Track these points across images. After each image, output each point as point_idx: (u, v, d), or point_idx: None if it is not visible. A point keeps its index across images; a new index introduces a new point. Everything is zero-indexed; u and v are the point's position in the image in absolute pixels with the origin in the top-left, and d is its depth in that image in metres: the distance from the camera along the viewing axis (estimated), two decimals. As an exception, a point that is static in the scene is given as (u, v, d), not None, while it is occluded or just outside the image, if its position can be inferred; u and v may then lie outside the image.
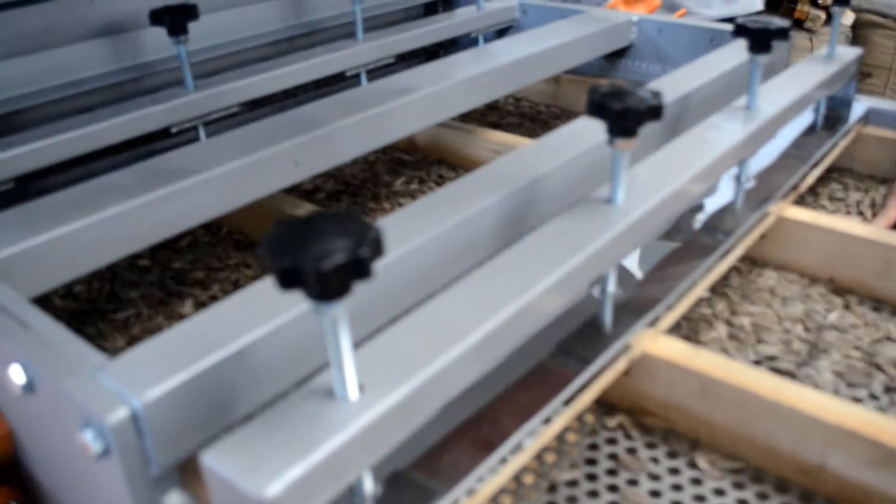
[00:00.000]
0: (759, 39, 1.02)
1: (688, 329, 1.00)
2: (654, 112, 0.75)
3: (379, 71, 1.55)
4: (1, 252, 0.81)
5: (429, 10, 1.87)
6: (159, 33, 1.24)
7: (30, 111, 1.27)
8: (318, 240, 0.49)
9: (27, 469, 0.75)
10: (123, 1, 1.39)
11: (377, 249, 0.50)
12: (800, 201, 1.22)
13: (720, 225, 1.05)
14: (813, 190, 1.31)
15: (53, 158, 1.12)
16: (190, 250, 1.26)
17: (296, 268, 0.47)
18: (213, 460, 0.51)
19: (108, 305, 1.13)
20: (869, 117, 1.36)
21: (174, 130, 1.25)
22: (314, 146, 1.07)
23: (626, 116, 0.74)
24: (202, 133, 1.29)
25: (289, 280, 0.48)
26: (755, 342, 0.97)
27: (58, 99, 1.28)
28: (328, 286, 0.48)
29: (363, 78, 1.51)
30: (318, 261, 0.47)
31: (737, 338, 0.98)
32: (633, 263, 0.97)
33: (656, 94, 0.76)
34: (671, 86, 1.19)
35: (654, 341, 0.85)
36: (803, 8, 4.47)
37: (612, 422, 0.87)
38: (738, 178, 1.09)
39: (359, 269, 0.48)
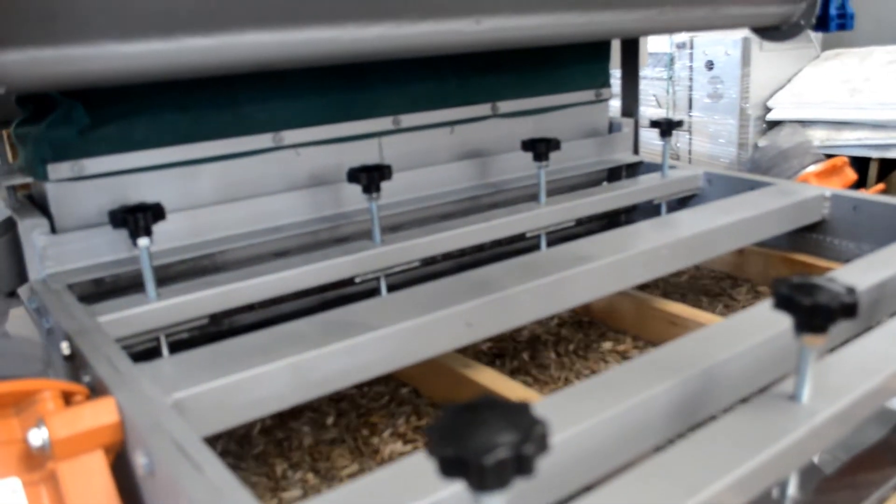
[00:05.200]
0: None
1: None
2: (849, 310, 0.71)
3: (559, 233, 1.58)
4: (186, 391, 0.87)
5: (612, 176, 1.90)
6: (355, 187, 1.33)
7: (233, 252, 1.38)
8: (484, 430, 0.48)
9: None
10: (326, 156, 1.51)
11: (542, 446, 0.49)
12: None
13: (920, 427, 0.96)
14: None
15: (246, 300, 1.20)
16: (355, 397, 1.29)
17: (458, 458, 0.47)
18: None
19: (270, 447, 1.17)
20: None
21: (358, 280, 1.31)
22: (488, 310, 1.08)
23: (817, 313, 0.70)
24: (383, 283, 1.34)
25: (450, 469, 0.48)
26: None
27: (259, 243, 1.38)
28: (488, 479, 0.47)
29: (542, 239, 1.53)
30: (480, 454, 0.47)
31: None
32: (821, 460, 0.90)
33: (851, 291, 0.72)
34: (867, 270, 1.13)
35: (840, 559, 0.77)
36: None
37: None
38: (943, 377, 1.00)
39: (521, 465, 0.47)
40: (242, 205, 1.40)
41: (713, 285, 1.67)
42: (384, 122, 1.56)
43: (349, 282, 1.32)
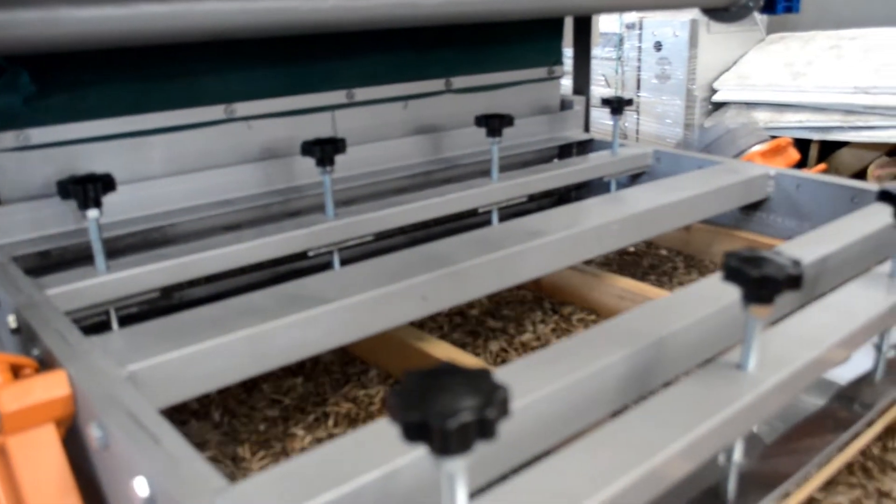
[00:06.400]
0: (907, 207, 0.99)
1: (820, 508, 0.94)
2: (794, 282, 0.73)
3: (511, 209, 1.59)
4: (140, 363, 0.86)
5: (564, 153, 1.91)
6: (308, 160, 1.32)
7: (184, 224, 1.36)
8: (446, 396, 0.49)
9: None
10: (278, 129, 1.49)
11: (504, 410, 0.49)
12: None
13: (858, 396, 1.00)
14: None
15: (197, 273, 1.19)
16: (313, 372, 1.29)
17: (421, 423, 0.48)
18: None
19: (232, 420, 1.17)
20: None
21: (311, 255, 1.30)
22: (443, 283, 1.09)
23: (764, 284, 0.73)
24: (336, 258, 1.34)
25: (413, 433, 0.48)
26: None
27: (210, 216, 1.37)
28: (452, 444, 0.48)
29: (494, 215, 1.54)
30: (443, 418, 0.47)
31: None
32: (762, 431, 0.93)
33: (796, 263, 0.74)
34: (810, 246, 1.16)
35: (783, 521, 0.80)
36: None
37: None
38: (878, 347, 1.04)
39: (484, 429, 0.48)
40: (193, 177, 1.38)
41: (661, 262, 1.71)
42: (338, 96, 1.55)
43: (302, 256, 1.32)
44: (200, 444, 1.12)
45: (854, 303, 0.96)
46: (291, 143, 1.49)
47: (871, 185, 1.49)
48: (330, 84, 1.54)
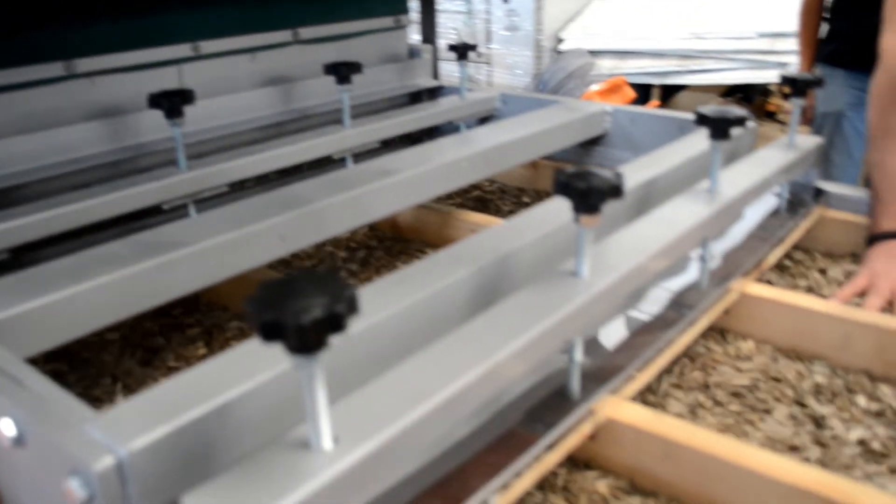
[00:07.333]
0: (719, 127, 1.09)
1: (653, 396, 1.04)
2: (616, 191, 0.81)
3: (365, 156, 1.63)
4: (-2, 315, 0.86)
5: (414, 99, 1.96)
6: (156, 115, 1.31)
7: (29, 186, 1.32)
8: (299, 297, 0.53)
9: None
10: (123, 84, 1.46)
11: (352, 306, 0.54)
12: (763, 279, 1.27)
13: (685, 301, 1.10)
14: (775, 268, 1.36)
15: (48, 231, 1.17)
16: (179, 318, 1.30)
17: (277, 322, 0.52)
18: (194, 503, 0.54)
19: (92, 369, 1.17)
20: (830, 201, 1.43)
21: (166, 207, 1.30)
22: (300, 223, 1.13)
23: (590, 195, 0.80)
24: (193, 211, 1.34)
25: (270, 333, 0.53)
26: (717, 408, 1.01)
27: (57, 175, 1.34)
28: (306, 339, 0.53)
29: (349, 162, 1.58)
30: (297, 315, 0.52)
31: (700, 404, 1.02)
32: (601, 335, 1.02)
33: (618, 175, 0.82)
34: (639, 170, 1.26)
35: (619, 407, 0.89)
36: (775, 101, 4.69)
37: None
38: (702, 258, 1.15)
39: (335, 323, 0.53)
40: (34, 137, 1.34)
41: (510, 198, 1.79)
42: (183, 49, 1.53)
43: (156, 212, 1.31)
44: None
45: (676, 215, 1.06)
46: (138, 98, 1.46)
47: (696, 116, 1.61)
48: (175, 37, 1.52)
